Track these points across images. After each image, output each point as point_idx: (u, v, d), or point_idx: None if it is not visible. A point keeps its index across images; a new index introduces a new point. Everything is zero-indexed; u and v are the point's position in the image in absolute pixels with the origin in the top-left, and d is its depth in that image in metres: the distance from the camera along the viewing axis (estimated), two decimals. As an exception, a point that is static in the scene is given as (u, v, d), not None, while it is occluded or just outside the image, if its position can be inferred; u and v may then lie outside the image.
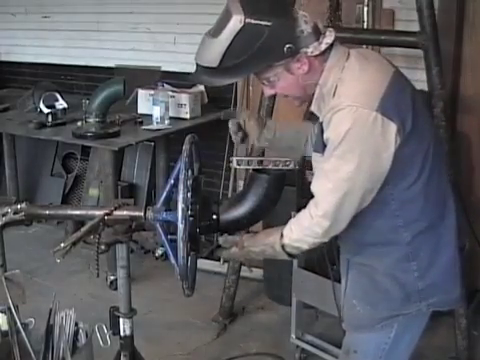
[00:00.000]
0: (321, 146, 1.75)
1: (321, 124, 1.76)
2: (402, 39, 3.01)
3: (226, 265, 3.70)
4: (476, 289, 3.53)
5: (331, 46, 1.74)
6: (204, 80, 1.78)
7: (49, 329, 2.14)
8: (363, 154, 1.66)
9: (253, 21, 1.63)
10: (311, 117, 1.98)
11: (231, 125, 2.00)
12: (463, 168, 3.58)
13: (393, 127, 1.65)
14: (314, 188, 1.75)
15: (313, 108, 1.79)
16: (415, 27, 2.90)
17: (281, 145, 2.07)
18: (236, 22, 1.63)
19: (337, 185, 1.69)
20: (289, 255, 1.84)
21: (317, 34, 1.71)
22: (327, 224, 1.73)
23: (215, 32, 1.68)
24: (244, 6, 1.65)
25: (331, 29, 1.77)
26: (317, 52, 1.71)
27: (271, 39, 1.65)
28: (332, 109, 1.68)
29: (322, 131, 1.75)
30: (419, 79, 2.98)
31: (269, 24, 1.63)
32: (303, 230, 1.77)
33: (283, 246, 1.81)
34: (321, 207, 1.72)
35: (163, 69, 4.49)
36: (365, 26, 3.44)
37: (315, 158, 1.83)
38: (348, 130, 1.64)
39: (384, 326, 1.88)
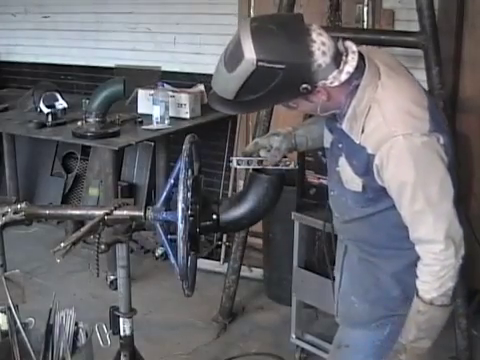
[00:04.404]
0: (362, 169, 1.70)
1: (357, 143, 1.70)
2: (402, 39, 3.01)
3: (226, 265, 3.70)
4: (476, 289, 3.53)
5: (363, 60, 1.68)
6: (220, 108, 1.73)
7: (49, 329, 2.13)
8: (438, 173, 1.64)
9: (266, 64, 1.57)
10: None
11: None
12: (463, 168, 3.58)
13: (441, 139, 1.65)
14: (420, 234, 1.67)
15: (345, 127, 1.73)
16: (415, 27, 2.90)
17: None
18: (248, 64, 1.57)
19: (436, 211, 1.64)
20: (444, 306, 1.70)
21: (338, 61, 1.63)
22: (452, 247, 1.65)
23: (229, 66, 1.62)
24: (256, 46, 1.57)
25: (354, 50, 1.68)
26: (337, 83, 1.64)
27: (286, 80, 1.59)
28: (384, 141, 1.62)
29: (353, 148, 1.70)
30: (419, 79, 2.97)
31: (282, 67, 1.57)
32: (438, 273, 1.66)
33: (432, 303, 1.69)
34: (438, 241, 1.65)
35: (163, 69, 4.49)
36: (365, 26, 3.44)
37: (344, 169, 1.78)
38: (415, 166, 1.60)
39: (379, 325, 1.89)
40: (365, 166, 1.69)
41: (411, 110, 1.64)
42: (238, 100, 1.65)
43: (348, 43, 1.70)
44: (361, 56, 1.69)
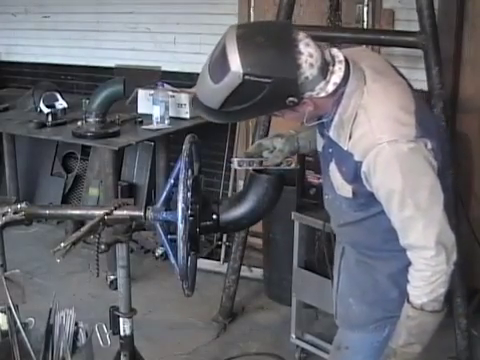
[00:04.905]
0: (351, 176, 1.70)
1: (345, 150, 1.69)
2: (402, 39, 3.01)
3: (226, 265, 3.70)
4: (476, 289, 3.53)
5: (347, 68, 1.66)
6: (205, 116, 1.74)
7: (49, 329, 2.14)
8: (426, 179, 1.63)
9: (252, 78, 1.55)
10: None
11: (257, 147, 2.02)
12: (463, 168, 3.58)
13: (429, 144, 1.64)
14: (410, 240, 1.66)
15: (332, 135, 1.72)
16: (415, 27, 2.90)
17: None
18: (235, 77, 1.55)
19: (426, 216, 1.63)
20: (435, 312, 1.69)
21: (325, 71, 1.62)
22: (443, 253, 1.63)
23: (215, 76, 1.59)
24: (242, 59, 1.54)
25: (341, 59, 1.66)
26: (323, 94, 1.63)
27: (272, 93, 1.57)
28: (370, 149, 1.61)
29: (342, 154, 1.70)
30: (419, 79, 2.99)
31: (269, 81, 1.55)
32: (430, 278, 1.65)
33: (422, 308, 1.67)
34: (429, 247, 1.63)
35: (163, 69, 4.49)
36: (365, 26, 3.45)
37: (334, 175, 1.77)
38: (402, 173, 1.59)
39: (378, 327, 1.89)
40: (353, 173, 1.69)
41: (397, 116, 1.63)
42: (223, 110, 1.64)
43: (335, 52, 1.69)
44: (347, 63, 1.68)
